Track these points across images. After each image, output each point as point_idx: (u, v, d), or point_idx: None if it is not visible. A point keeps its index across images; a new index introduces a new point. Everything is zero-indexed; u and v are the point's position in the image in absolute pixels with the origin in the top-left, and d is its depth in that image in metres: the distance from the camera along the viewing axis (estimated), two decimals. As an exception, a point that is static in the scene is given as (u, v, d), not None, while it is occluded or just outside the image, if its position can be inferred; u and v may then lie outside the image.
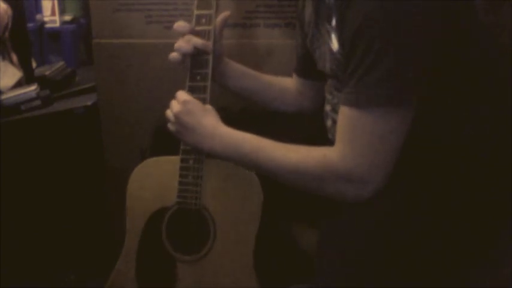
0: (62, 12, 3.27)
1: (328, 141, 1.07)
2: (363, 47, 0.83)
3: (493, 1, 1.12)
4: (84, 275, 1.59)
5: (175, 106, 1.05)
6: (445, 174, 0.89)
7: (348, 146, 0.88)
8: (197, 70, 1.09)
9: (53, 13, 3.21)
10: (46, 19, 3.16)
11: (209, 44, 1.09)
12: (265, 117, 1.28)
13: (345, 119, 0.88)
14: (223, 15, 1.16)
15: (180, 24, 1.10)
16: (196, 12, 1.10)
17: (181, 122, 1.04)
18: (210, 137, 1.02)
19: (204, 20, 1.10)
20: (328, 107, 1.08)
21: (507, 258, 0.92)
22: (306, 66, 1.19)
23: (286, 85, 1.27)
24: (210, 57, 1.09)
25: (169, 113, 1.07)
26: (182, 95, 1.06)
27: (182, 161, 1.11)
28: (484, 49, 0.93)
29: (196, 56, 1.10)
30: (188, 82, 1.10)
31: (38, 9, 3.15)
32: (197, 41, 1.08)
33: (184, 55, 1.09)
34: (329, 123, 1.08)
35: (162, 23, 1.45)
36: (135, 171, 1.17)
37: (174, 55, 1.10)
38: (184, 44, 1.08)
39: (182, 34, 1.09)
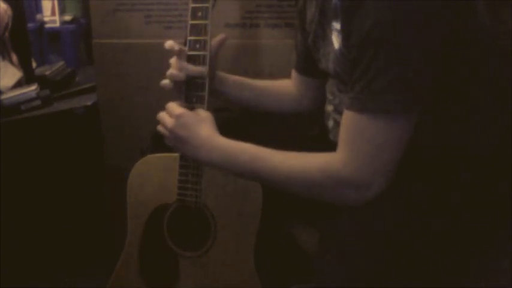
0: (62, 12, 3.27)
1: (329, 142, 1.07)
2: (371, 53, 0.82)
3: (493, 1, 1.12)
4: (85, 275, 1.59)
5: (168, 121, 1.02)
6: (445, 174, 0.89)
7: (351, 151, 0.87)
8: (193, 92, 1.06)
9: (53, 13, 3.21)
10: (46, 19, 3.15)
11: (203, 70, 1.06)
12: (265, 117, 1.28)
13: (349, 123, 0.88)
14: (219, 37, 1.14)
15: (171, 45, 1.06)
16: (192, 5, 1.07)
17: (176, 136, 1.01)
18: (206, 148, 0.99)
19: (200, 14, 1.06)
20: (329, 108, 1.08)
21: (507, 257, 0.92)
22: (307, 64, 1.18)
23: (283, 88, 1.26)
24: (207, 81, 1.06)
25: (162, 129, 1.04)
26: (174, 108, 1.03)
27: (181, 159, 1.11)
28: (485, 49, 0.92)
29: (191, 79, 1.07)
30: (184, 103, 1.07)
31: (38, 9, 3.14)
32: (190, 68, 1.06)
33: (177, 82, 1.07)
34: (330, 124, 1.07)
35: (162, 23, 1.45)
36: (135, 167, 1.17)
37: (166, 82, 1.08)
38: (177, 72, 1.06)
39: (174, 53, 1.07)
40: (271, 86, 1.26)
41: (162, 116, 1.04)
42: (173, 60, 1.08)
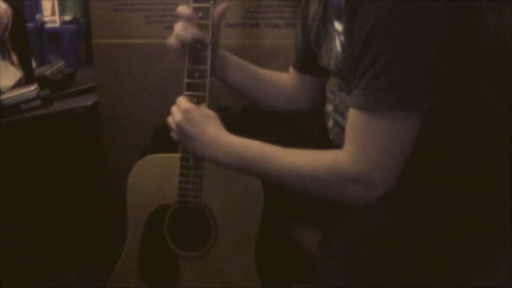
0: (62, 12, 3.27)
1: (330, 142, 1.07)
2: (375, 50, 0.83)
3: (493, 1, 1.12)
4: (85, 274, 1.59)
5: (176, 114, 1.02)
6: (448, 176, 0.89)
7: (357, 149, 0.87)
8: (195, 67, 1.06)
9: (53, 13, 3.21)
10: (46, 19, 3.15)
11: (207, 37, 1.05)
12: (265, 117, 1.28)
13: (355, 122, 0.87)
14: (221, 7, 1.12)
15: (183, 9, 1.05)
16: (193, 5, 1.06)
17: (183, 131, 1.01)
18: (213, 146, 0.99)
19: (201, 14, 1.05)
20: (330, 107, 1.08)
21: (507, 258, 0.92)
22: (306, 61, 1.18)
23: (281, 81, 1.24)
24: (209, 53, 1.06)
25: (171, 121, 1.04)
26: (183, 102, 1.03)
27: (182, 159, 1.10)
28: (485, 49, 0.92)
29: (194, 52, 1.06)
30: (186, 79, 1.07)
31: (38, 9, 3.14)
32: (195, 30, 1.04)
33: (183, 44, 1.05)
34: (330, 123, 1.07)
35: (162, 23, 1.45)
36: (135, 168, 1.17)
37: (172, 41, 1.05)
38: (183, 31, 1.04)
39: (184, 19, 1.05)
40: (270, 75, 1.25)
41: (173, 108, 1.04)
42: (179, 24, 1.05)
